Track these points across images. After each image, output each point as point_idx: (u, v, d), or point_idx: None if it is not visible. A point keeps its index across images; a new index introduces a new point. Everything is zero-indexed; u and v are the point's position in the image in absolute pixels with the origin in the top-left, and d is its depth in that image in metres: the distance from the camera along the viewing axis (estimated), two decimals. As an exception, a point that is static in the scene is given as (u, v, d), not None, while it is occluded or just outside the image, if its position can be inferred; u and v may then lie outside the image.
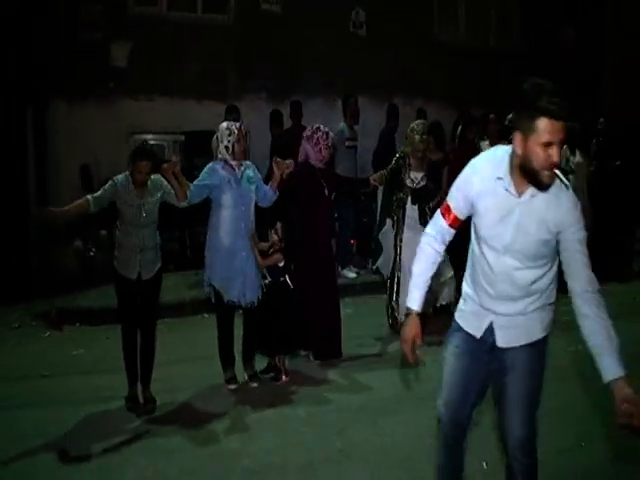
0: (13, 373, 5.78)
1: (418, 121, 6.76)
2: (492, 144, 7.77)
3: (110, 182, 4.91)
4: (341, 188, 6.26)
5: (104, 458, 4.18)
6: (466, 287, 2.92)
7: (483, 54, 11.36)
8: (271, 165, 5.76)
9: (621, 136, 9.16)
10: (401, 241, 6.38)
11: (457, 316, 2.96)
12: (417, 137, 6.31)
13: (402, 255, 6.33)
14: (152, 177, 4.94)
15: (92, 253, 8.55)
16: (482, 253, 2.73)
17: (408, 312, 2.92)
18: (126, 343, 5.03)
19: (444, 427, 2.96)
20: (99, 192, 4.87)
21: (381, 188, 6.61)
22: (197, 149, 8.87)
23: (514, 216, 2.58)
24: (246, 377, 5.45)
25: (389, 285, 6.50)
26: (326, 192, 5.85)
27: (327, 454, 4.12)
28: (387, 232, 6.51)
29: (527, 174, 2.49)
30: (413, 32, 10.94)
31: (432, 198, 6.40)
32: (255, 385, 5.40)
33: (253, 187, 5.38)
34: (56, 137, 8.94)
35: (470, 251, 2.86)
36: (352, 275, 8.28)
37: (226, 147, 5.25)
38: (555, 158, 2.41)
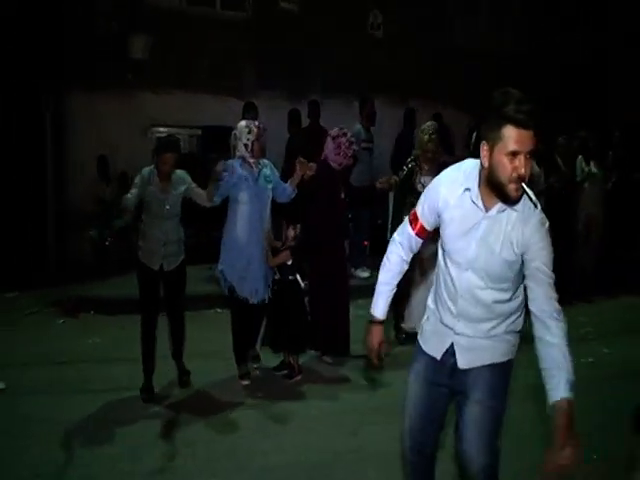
0: (29, 359, 5.88)
1: (428, 122, 6.76)
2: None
3: (138, 176, 5.03)
4: (350, 197, 6.33)
5: (119, 447, 4.26)
6: (430, 302, 2.82)
7: (500, 58, 11.40)
8: (287, 164, 5.83)
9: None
10: None
11: (419, 336, 2.86)
12: (425, 137, 6.29)
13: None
14: (177, 171, 5.06)
15: (107, 242, 8.66)
16: (447, 267, 2.63)
17: (371, 320, 2.88)
18: (145, 333, 5.13)
19: (407, 456, 2.87)
20: (134, 190, 4.96)
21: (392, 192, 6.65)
22: (213, 144, 8.99)
23: (479, 231, 2.48)
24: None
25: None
26: (342, 194, 5.95)
27: (340, 454, 4.17)
28: None
29: (494, 187, 2.38)
30: (430, 35, 11.00)
31: None
32: (256, 366, 5.62)
33: (270, 185, 5.45)
34: (74, 128, 9.07)
35: (437, 265, 2.76)
36: (365, 275, 8.35)
37: (245, 145, 5.31)
38: (522, 170, 2.28)
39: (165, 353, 5.34)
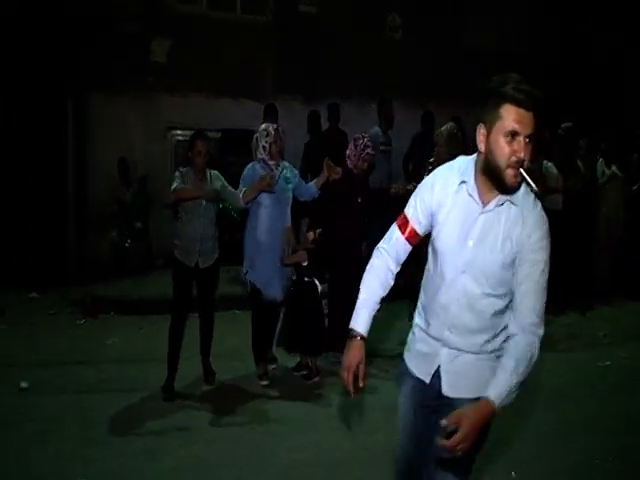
0: (49, 358, 5.96)
1: (447, 124, 6.69)
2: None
3: (177, 172, 5.18)
4: (368, 200, 6.37)
5: (142, 444, 4.31)
6: (417, 317, 2.57)
7: (518, 61, 11.35)
8: (304, 165, 5.92)
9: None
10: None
11: (405, 354, 2.62)
12: (439, 141, 6.28)
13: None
14: (212, 171, 5.24)
15: (127, 244, 8.75)
16: (439, 272, 2.40)
17: (352, 334, 2.51)
18: (173, 332, 5.22)
19: (399, 475, 2.71)
20: (174, 184, 5.09)
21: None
22: (232, 147, 9.05)
23: (476, 228, 2.29)
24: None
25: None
26: (359, 199, 5.99)
27: (357, 453, 4.20)
28: None
29: (490, 174, 2.22)
30: (449, 37, 10.99)
31: None
32: (273, 367, 5.67)
33: (290, 187, 5.53)
34: (95, 129, 9.15)
35: (425, 276, 2.53)
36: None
37: (263, 147, 5.41)
38: (521, 153, 2.13)
39: (185, 354, 5.38)
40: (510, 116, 2.13)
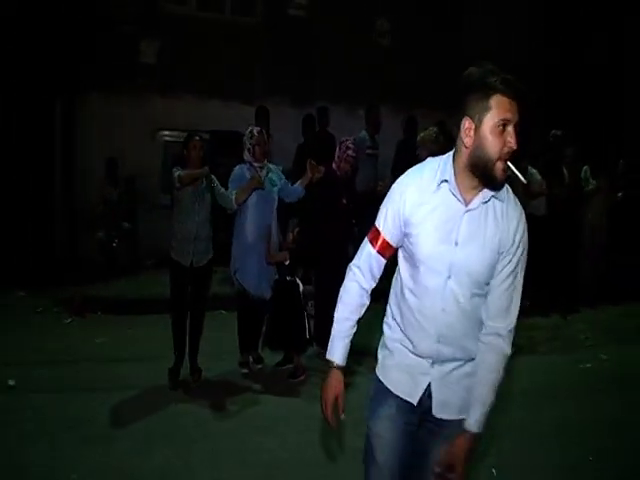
0: (37, 357, 5.97)
1: (429, 129, 6.76)
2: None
3: (174, 169, 5.33)
4: (354, 203, 6.47)
5: (129, 443, 4.34)
6: (391, 332, 2.40)
7: (509, 68, 11.47)
8: (295, 168, 6.04)
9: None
10: None
11: (379, 373, 2.44)
12: (419, 143, 6.35)
13: None
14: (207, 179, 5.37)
15: (115, 244, 8.78)
16: (420, 281, 2.25)
17: (329, 365, 2.41)
18: (176, 330, 5.40)
19: None
20: (178, 172, 5.22)
21: None
22: (221, 148, 9.09)
23: (461, 228, 2.18)
24: (251, 359, 5.84)
25: None
26: (344, 200, 6.09)
27: (343, 452, 4.25)
28: None
29: (477, 169, 2.12)
30: (437, 43, 11.10)
31: None
32: (260, 367, 5.84)
33: (276, 189, 5.71)
34: (84, 129, 9.18)
35: (395, 287, 2.39)
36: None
37: (248, 149, 5.61)
38: (513, 143, 2.08)
39: (171, 353, 5.44)
40: (501, 106, 2.08)
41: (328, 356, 2.42)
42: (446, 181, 2.19)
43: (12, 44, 8.30)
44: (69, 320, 7.26)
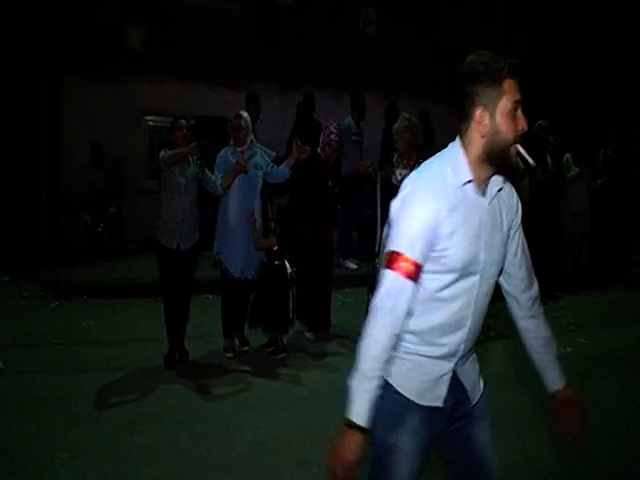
0: (25, 341, 6.01)
1: (401, 116, 6.83)
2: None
3: (161, 151, 5.36)
4: (340, 187, 6.60)
5: (116, 423, 4.40)
6: (407, 345, 2.14)
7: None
8: (287, 154, 6.16)
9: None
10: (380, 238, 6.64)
11: (400, 387, 2.16)
12: (396, 130, 6.39)
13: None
14: (194, 156, 5.40)
15: (100, 228, 8.78)
16: (450, 288, 2.10)
17: (348, 424, 2.01)
18: (168, 312, 5.46)
19: None
20: (162, 153, 5.29)
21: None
22: (207, 134, 9.11)
23: (486, 225, 2.12)
24: (237, 342, 5.92)
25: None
26: (330, 183, 6.23)
27: (325, 432, 4.33)
28: None
29: (495, 156, 2.07)
30: (421, 32, 11.17)
31: None
32: (246, 349, 5.90)
33: (260, 173, 5.79)
34: (69, 114, 9.15)
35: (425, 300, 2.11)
36: (353, 266, 8.54)
37: (230, 134, 5.76)
38: (524, 122, 2.08)
39: (157, 336, 5.51)
40: (512, 89, 2.06)
41: (349, 415, 2.01)
42: (471, 181, 2.09)
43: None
44: (55, 304, 7.27)
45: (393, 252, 2.03)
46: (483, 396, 2.29)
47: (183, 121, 5.45)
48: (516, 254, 2.26)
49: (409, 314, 2.06)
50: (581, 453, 3.93)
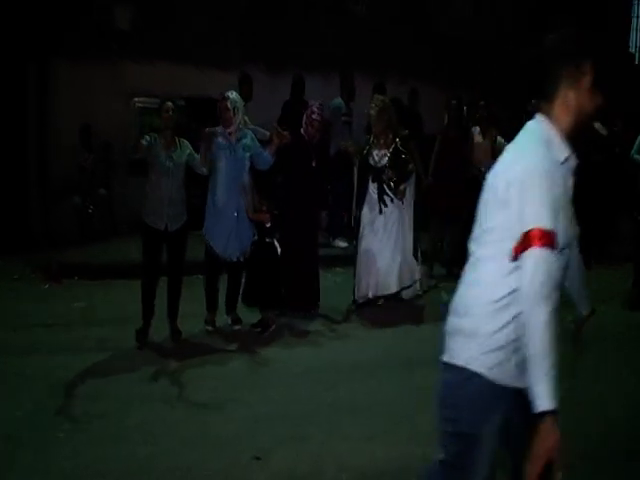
0: (17, 321, 6.04)
1: (375, 97, 6.86)
2: (482, 130, 8.11)
3: (145, 136, 5.45)
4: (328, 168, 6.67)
5: (108, 403, 4.44)
6: (515, 334, 2.04)
7: (477, 43, 11.56)
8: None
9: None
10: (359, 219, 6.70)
11: (496, 375, 2.08)
12: (372, 112, 6.50)
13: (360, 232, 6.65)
14: (182, 139, 5.50)
15: (90, 210, 8.78)
16: (560, 267, 2.08)
17: (552, 411, 1.91)
18: (144, 293, 5.48)
19: None
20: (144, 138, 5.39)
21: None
22: (196, 114, 9.08)
23: (568, 197, 2.17)
24: (229, 321, 6.00)
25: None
26: (313, 163, 6.28)
27: (319, 407, 4.41)
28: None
29: (578, 131, 2.15)
30: (411, 15, 11.14)
31: (405, 174, 6.49)
32: (237, 327, 5.98)
33: (248, 155, 5.81)
34: (57, 95, 9.09)
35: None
36: (343, 244, 8.61)
37: (218, 116, 5.76)
38: (600, 97, 2.14)
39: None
40: (591, 69, 2.11)
41: (547, 403, 1.91)
42: (570, 156, 2.13)
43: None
44: (46, 286, 7.30)
45: (532, 230, 1.97)
46: None
47: (169, 103, 5.47)
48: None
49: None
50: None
